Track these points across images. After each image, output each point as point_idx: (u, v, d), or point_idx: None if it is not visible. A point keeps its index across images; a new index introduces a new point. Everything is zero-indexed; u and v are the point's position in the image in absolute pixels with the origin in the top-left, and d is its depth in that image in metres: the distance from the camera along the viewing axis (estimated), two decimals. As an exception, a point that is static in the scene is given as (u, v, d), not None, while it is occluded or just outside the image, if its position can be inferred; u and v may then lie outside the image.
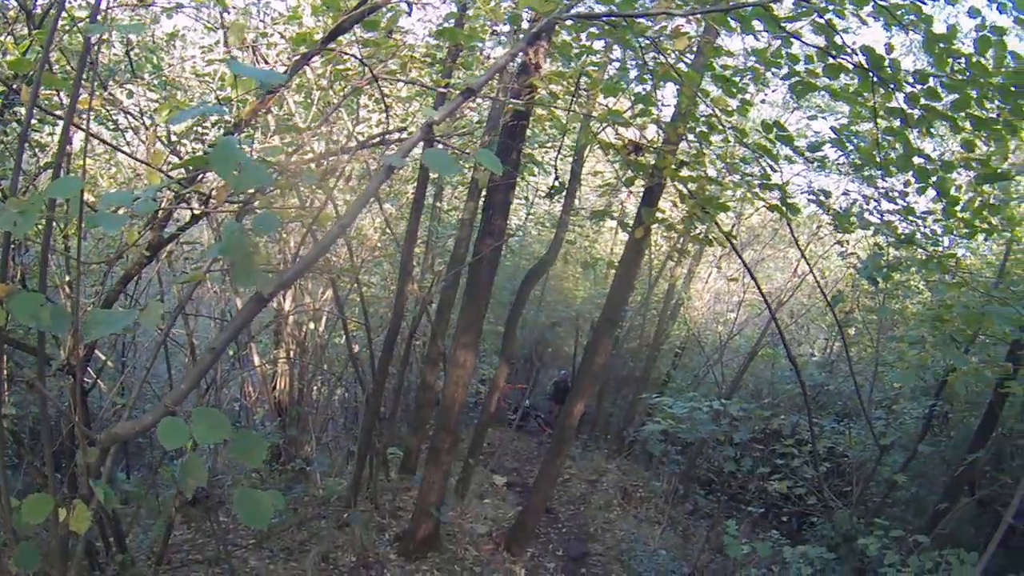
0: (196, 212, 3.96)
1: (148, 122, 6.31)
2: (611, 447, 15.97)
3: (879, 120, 5.03)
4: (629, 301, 16.12)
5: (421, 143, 2.75)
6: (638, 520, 11.87)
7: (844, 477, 9.78)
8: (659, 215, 7.89)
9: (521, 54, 6.21)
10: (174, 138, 5.18)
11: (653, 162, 6.90)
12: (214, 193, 3.31)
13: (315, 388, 12.70)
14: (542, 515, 9.29)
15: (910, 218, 6.07)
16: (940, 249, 6.30)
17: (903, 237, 6.20)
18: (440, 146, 2.89)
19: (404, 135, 7.44)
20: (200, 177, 3.89)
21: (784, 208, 6.64)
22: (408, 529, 7.81)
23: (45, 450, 3.18)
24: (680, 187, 7.14)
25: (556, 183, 9.28)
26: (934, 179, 5.16)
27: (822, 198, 6.83)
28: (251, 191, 3.47)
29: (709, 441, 13.73)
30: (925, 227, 6.21)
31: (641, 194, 8.14)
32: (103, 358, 7.73)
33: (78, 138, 3.78)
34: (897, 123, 4.99)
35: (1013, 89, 4.18)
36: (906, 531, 6.58)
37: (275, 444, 10.56)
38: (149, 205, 2.42)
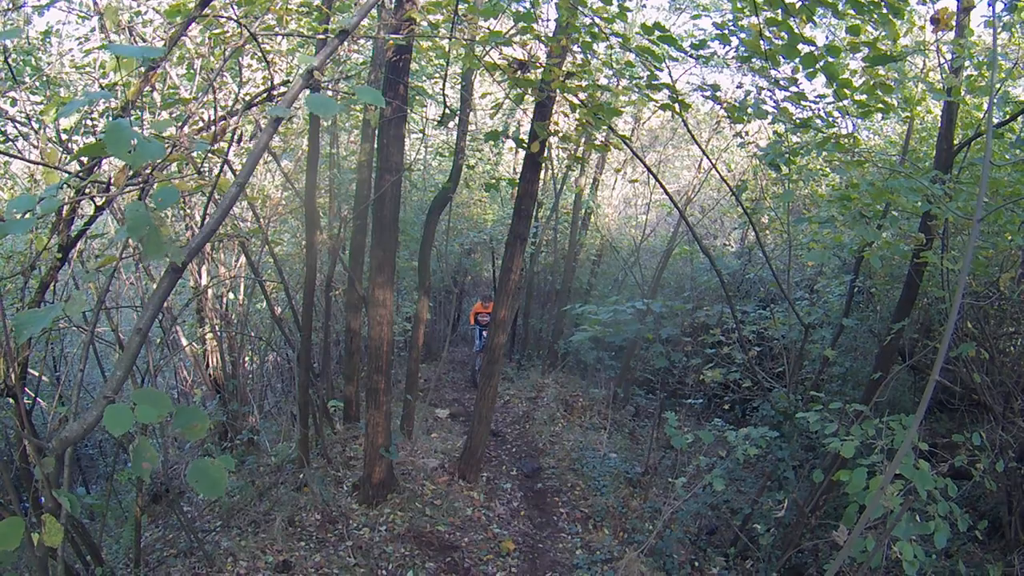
0: (99, 203, 3.87)
1: (36, 126, 6.12)
2: (545, 363, 16.16)
3: (761, 11, 5.11)
4: (538, 216, 16.23)
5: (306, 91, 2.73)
6: (584, 429, 12.13)
7: (777, 360, 10.09)
8: (552, 127, 7.95)
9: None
10: (64, 136, 5.04)
11: (541, 77, 6.92)
12: (113, 179, 3.24)
13: (247, 358, 12.59)
14: (489, 439, 9.41)
15: (803, 103, 6.20)
16: (837, 131, 6.45)
17: (799, 123, 6.35)
18: (329, 92, 2.87)
19: (284, 88, 7.34)
20: (97, 167, 3.80)
21: (675, 106, 6.74)
22: (363, 476, 7.86)
23: (3, 477, 3.15)
24: (570, 98, 7.19)
25: (447, 111, 9.26)
26: (821, 64, 5.27)
27: (716, 92, 6.93)
28: (148, 170, 3.41)
29: (639, 342, 14.03)
30: (819, 111, 6.36)
31: (533, 109, 8.15)
32: (37, 375, 7.56)
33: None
34: (779, 13, 5.08)
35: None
36: (845, 403, 6.81)
37: (219, 422, 10.50)
38: (52, 203, 2.39)
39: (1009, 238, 7.01)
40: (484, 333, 15.09)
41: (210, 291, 11.02)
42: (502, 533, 7.86)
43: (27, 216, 2.38)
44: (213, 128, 4.78)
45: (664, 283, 17.06)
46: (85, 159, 3.82)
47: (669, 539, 7.89)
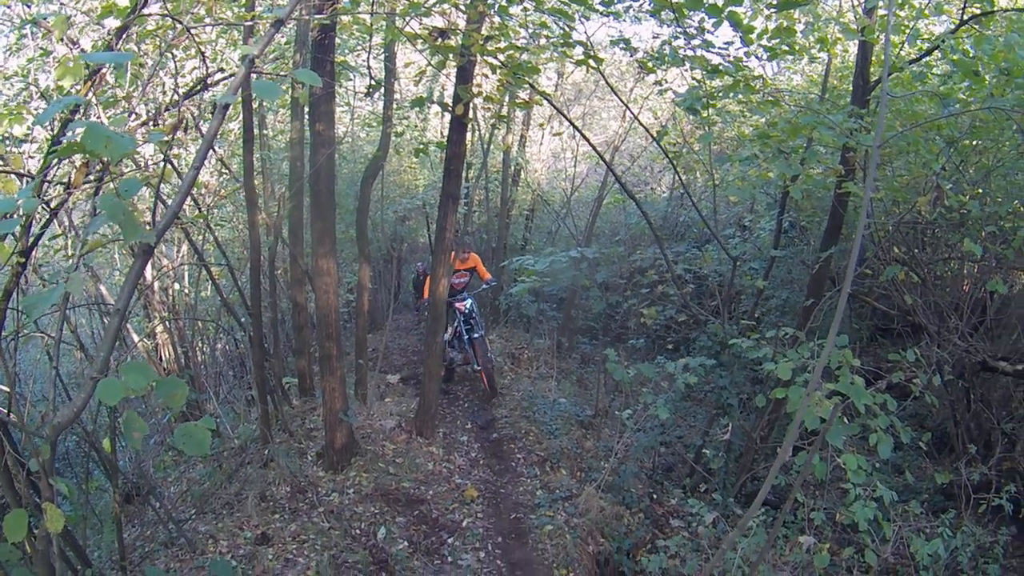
0: (54, 206, 4.04)
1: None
2: (487, 318, 16.25)
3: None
4: (468, 177, 16.40)
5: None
6: (532, 379, 12.45)
7: (713, 296, 10.49)
8: (475, 90, 8.20)
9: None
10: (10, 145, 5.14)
11: (461, 43, 7.14)
12: (73, 178, 3.45)
13: (198, 348, 12.67)
14: (440, 396, 9.65)
15: (712, 50, 6.53)
16: (746, 74, 6.75)
17: (710, 69, 6.68)
18: (266, 76, 3.10)
19: (220, 75, 7.48)
20: (54, 170, 3.97)
21: (590, 61, 7.05)
22: (326, 443, 8.07)
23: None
24: (490, 60, 7.43)
25: (372, 82, 9.45)
26: (725, 13, 5.59)
27: (630, 45, 7.24)
28: (98, 167, 3.63)
29: (577, 291, 14.38)
30: (729, 57, 6.67)
31: (456, 74, 8.37)
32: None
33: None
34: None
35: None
36: (777, 329, 7.10)
37: (179, 413, 10.58)
38: (32, 203, 2.63)
39: (927, 165, 7.43)
40: (462, 307, 11.82)
41: (156, 284, 11.09)
42: (464, 483, 8.16)
43: (12, 217, 2.61)
44: (151, 124, 4.94)
45: (598, 232, 17.41)
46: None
47: (625, 475, 8.24)
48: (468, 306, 11.82)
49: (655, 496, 8.44)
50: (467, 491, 7.93)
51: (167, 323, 11.50)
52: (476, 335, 11.54)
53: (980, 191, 8.16)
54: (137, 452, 8.22)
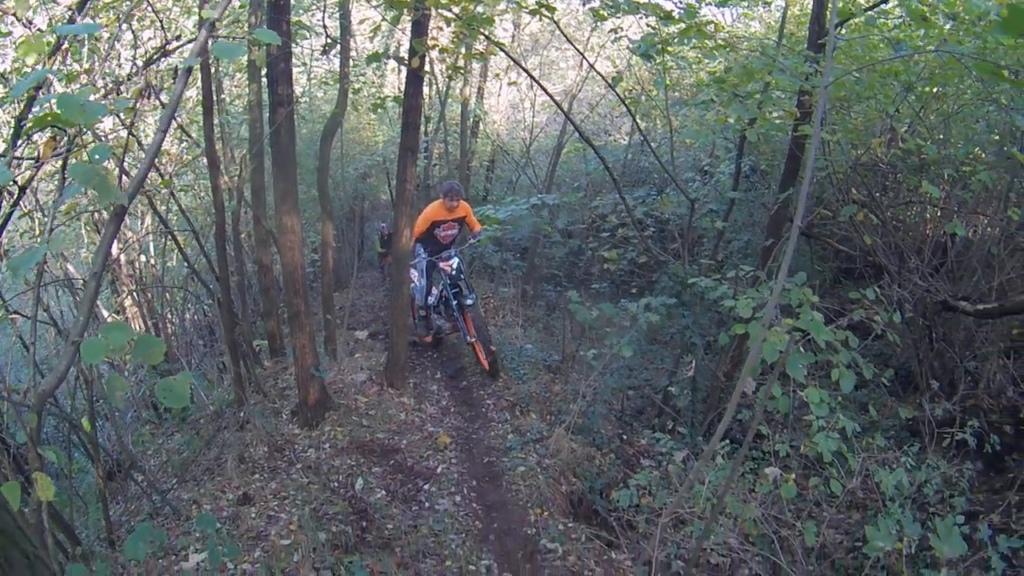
0: (21, 184, 4.10)
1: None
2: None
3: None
4: (427, 131, 16.39)
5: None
6: (498, 327, 12.53)
7: (674, 240, 10.62)
8: (430, 42, 8.26)
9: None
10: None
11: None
12: (42, 151, 3.52)
13: (168, 319, 12.68)
14: (408, 347, 9.77)
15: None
16: (699, 21, 6.85)
17: (662, 15, 6.77)
18: (224, 39, 3.18)
19: (176, 44, 7.48)
20: (19, 150, 4.03)
21: (542, 10, 7.12)
22: (300, 400, 8.16)
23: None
24: (444, 12, 7.47)
25: (328, 40, 9.45)
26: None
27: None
28: (64, 142, 3.70)
29: (540, 239, 14.50)
30: (682, 3, 6.78)
31: (411, 28, 8.39)
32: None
33: None
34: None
35: None
36: (737, 269, 7.22)
37: (154, 386, 10.61)
38: (6, 175, 2.71)
39: (884, 110, 7.61)
40: (448, 267, 10.24)
41: (122, 257, 11.07)
42: (436, 430, 8.31)
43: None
44: (112, 95, 4.99)
45: (558, 181, 17.49)
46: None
47: (594, 416, 8.42)
48: (455, 266, 10.28)
49: (625, 437, 8.62)
50: (440, 438, 8.07)
51: (135, 295, 11.50)
52: (468, 301, 9.94)
53: (940, 137, 8.35)
54: (117, 429, 8.28)
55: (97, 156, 2.83)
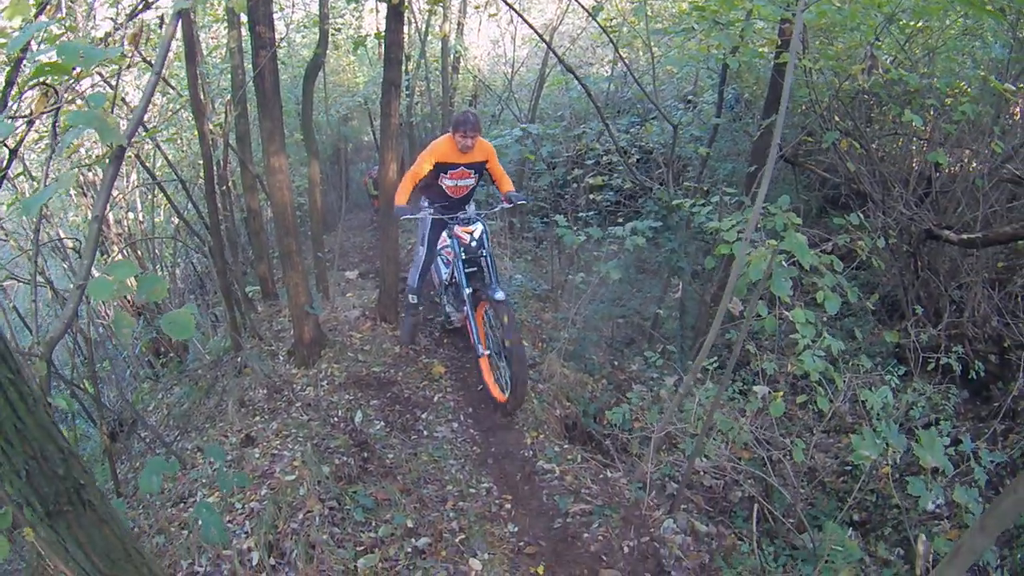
0: (12, 146, 4.16)
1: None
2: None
3: None
4: (408, 69, 16.29)
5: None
6: (487, 259, 12.58)
7: (660, 168, 10.65)
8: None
9: None
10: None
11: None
12: (35, 107, 3.59)
13: (158, 274, 12.71)
14: (399, 282, 9.75)
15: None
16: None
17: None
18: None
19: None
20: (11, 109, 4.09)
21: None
22: (295, 340, 8.25)
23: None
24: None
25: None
26: None
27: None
28: (52, 101, 3.77)
29: (525, 171, 14.52)
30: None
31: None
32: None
33: None
34: None
35: None
36: (721, 194, 7.30)
37: (149, 340, 10.74)
38: (7, 127, 2.79)
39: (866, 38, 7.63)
40: (465, 234, 7.39)
41: (111, 216, 11.07)
42: (430, 361, 8.43)
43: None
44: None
45: (541, 113, 17.40)
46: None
47: (585, 343, 8.56)
48: (477, 234, 7.37)
49: (616, 363, 8.77)
50: (434, 368, 8.20)
51: (125, 252, 11.52)
52: (497, 295, 6.88)
53: (925, 70, 8.39)
54: (118, 384, 8.37)
55: (94, 102, 2.91)
